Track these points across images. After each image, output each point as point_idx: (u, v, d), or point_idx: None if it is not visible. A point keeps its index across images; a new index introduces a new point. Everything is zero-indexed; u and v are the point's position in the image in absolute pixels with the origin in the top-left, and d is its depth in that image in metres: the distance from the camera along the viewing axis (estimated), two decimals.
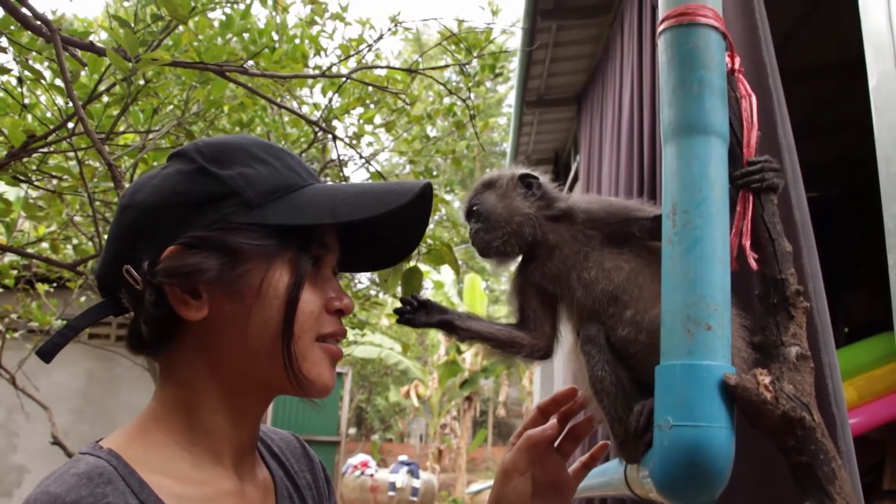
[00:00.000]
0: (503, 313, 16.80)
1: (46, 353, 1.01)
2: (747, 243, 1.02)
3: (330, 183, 1.18)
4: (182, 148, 1.05)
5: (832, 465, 0.91)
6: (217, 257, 0.97)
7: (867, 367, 4.07)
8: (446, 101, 4.99)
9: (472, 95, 3.77)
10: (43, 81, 2.61)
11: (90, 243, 4.08)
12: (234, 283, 0.98)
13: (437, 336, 16.12)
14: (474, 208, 1.36)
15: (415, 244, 1.19)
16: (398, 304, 1.32)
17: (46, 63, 2.80)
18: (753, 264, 1.02)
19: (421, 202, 1.07)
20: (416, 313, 1.28)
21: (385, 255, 1.22)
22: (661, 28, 1.12)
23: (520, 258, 1.39)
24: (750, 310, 1.16)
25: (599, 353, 1.21)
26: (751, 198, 1.05)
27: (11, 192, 3.65)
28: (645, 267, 1.24)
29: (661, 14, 1.12)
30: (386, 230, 1.13)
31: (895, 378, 4.02)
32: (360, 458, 14.94)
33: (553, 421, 1.30)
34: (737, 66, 1.13)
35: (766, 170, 1.07)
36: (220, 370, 1.01)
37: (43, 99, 2.96)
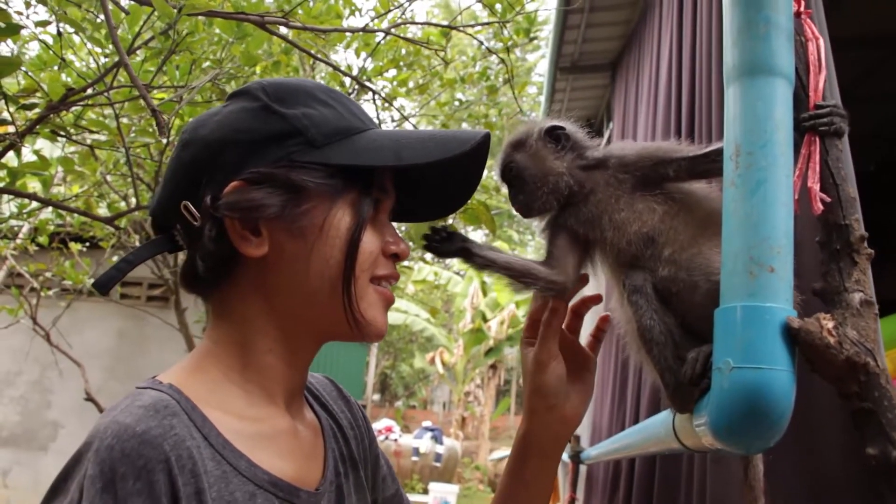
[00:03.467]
0: None
1: (102, 286, 1.01)
2: (816, 186, 0.99)
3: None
4: (245, 87, 1.05)
5: None
6: (280, 194, 0.97)
7: None
8: (478, 66, 4.94)
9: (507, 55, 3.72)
10: (80, 36, 2.61)
11: (123, 203, 4.12)
12: (297, 221, 0.98)
13: (463, 303, 16.15)
14: (508, 172, 1.35)
15: (468, 196, 1.18)
16: (426, 241, 1.28)
17: (85, 18, 2.80)
18: (819, 206, 0.99)
19: (480, 152, 1.06)
20: (443, 243, 1.25)
21: (431, 209, 1.22)
22: None
23: None
24: (797, 255, 1.13)
25: (647, 302, 1.20)
26: (817, 141, 1.02)
27: (47, 151, 3.69)
28: (679, 209, 1.23)
29: None
30: (440, 180, 1.13)
31: None
32: (384, 422, 15.10)
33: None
34: (802, 7, 1.09)
35: (834, 114, 1.05)
36: (276, 310, 1.02)
37: (77, 60, 2.97)
